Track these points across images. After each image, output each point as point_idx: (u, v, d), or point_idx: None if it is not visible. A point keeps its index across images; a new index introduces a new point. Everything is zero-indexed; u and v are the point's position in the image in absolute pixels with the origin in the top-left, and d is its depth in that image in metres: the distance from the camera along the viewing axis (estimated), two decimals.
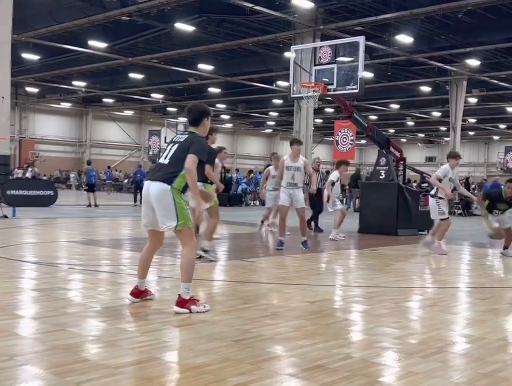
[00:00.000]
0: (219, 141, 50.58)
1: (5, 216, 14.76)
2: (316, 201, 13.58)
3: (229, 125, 59.47)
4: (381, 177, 13.99)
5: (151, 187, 5.10)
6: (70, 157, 49.68)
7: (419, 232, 13.54)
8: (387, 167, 13.89)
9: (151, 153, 39.74)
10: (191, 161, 5.00)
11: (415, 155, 59.89)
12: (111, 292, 6.05)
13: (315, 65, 13.72)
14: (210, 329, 4.61)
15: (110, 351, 3.91)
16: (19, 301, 5.59)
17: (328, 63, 13.46)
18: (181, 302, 5.02)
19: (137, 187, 23.16)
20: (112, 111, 51.56)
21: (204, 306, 5.12)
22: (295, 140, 10.32)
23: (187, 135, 5.28)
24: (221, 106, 46.96)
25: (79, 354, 3.86)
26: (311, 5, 20.93)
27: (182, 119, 46.32)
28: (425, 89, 34.91)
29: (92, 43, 26.42)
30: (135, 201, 22.85)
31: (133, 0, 20.19)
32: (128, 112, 52.87)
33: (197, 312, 5.01)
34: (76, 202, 20.22)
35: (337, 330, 4.72)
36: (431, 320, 5.21)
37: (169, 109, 49.78)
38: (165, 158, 5.21)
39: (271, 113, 49.88)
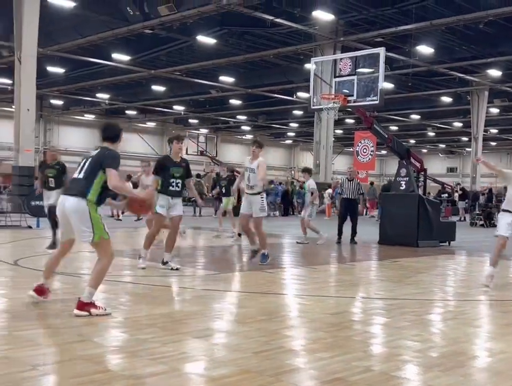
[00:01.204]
0: (240, 151, 50.56)
1: (29, 227, 14.97)
2: (353, 212, 13.63)
3: (249, 136, 59.64)
4: (401, 188, 13.92)
5: (67, 202, 5.34)
6: None
7: (440, 244, 13.42)
8: (407, 178, 13.82)
9: None
10: (112, 177, 5.28)
11: (436, 165, 59.36)
12: (132, 303, 6.11)
13: (335, 77, 13.74)
14: (229, 341, 4.64)
15: (131, 362, 3.95)
16: (41, 311, 5.66)
17: (348, 75, 13.47)
18: (81, 305, 5.23)
19: None
20: (135, 123, 52.07)
21: (105, 309, 5.31)
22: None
23: (99, 150, 5.61)
24: (242, 117, 47.18)
25: (101, 364, 3.91)
26: (331, 17, 21.00)
27: (204, 131, 46.66)
28: (446, 99, 34.72)
29: (115, 56, 26.80)
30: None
31: (156, 14, 20.45)
32: (150, 124, 53.33)
33: (97, 315, 5.19)
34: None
35: (357, 343, 4.71)
36: (452, 334, 5.18)
37: (191, 120, 50.13)
38: (79, 173, 5.46)
39: (291, 124, 49.96)
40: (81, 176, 5.42)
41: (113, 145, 5.68)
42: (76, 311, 5.21)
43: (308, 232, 13.23)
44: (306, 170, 13.52)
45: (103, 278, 5.47)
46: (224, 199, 15.24)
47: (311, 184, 13.10)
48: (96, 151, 5.62)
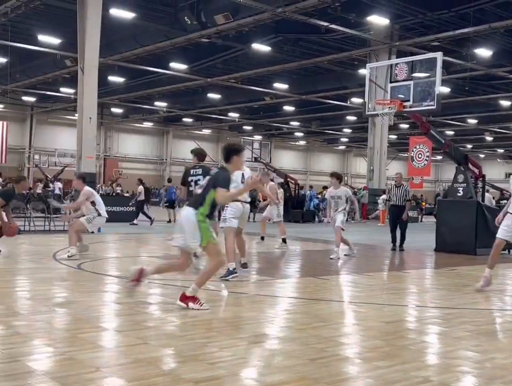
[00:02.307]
0: (293, 157, 50.53)
1: (92, 232, 15.41)
2: (399, 218, 13.40)
3: (302, 142, 59.61)
4: (459, 194, 13.64)
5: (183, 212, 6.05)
6: (151, 174, 51.27)
7: (502, 252, 13.04)
8: (465, 184, 13.53)
9: None
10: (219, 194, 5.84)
11: (493, 171, 57.64)
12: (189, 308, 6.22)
13: (391, 82, 13.61)
14: (286, 347, 4.68)
15: (191, 366, 4.04)
16: (103, 314, 5.87)
17: (404, 80, 13.32)
18: (183, 297, 5.84)
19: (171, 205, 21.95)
20: (191, 130, 52.92)
21: (201, 305, 5.81)
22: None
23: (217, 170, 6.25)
24: (295, 124, 47.24)
25: (161, 367, 4.02)
26: (386, 21, 20.82)
27: (258, 137, 46.92)
28: (505, 103, 33.81)
29: (172, 64, 27.39)
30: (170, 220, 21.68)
31: (213, 23, 20.79)
32: (206, 131, 54.10)
33: (192, 308, 5.74)
34: (156, 218, 20.82)
35: (415, 352, 4.65)
36: None
37: (245, 127, 50.55)
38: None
39: (344, 130, 49.64)
40: (199, 191, 6.11)
41: (228, 165, 6.19)
42: (178, 302, 5.87)
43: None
44: (336, 175, 11.93)
45: (209, 279, 6.08)
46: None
47: (346, 190, 12.00)
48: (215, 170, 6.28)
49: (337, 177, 11.73)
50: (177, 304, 5.83)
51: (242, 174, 8.23)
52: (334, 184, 11.69)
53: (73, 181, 11.20)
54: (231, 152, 6.15)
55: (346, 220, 12.25)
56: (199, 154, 9.11)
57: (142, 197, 21.09)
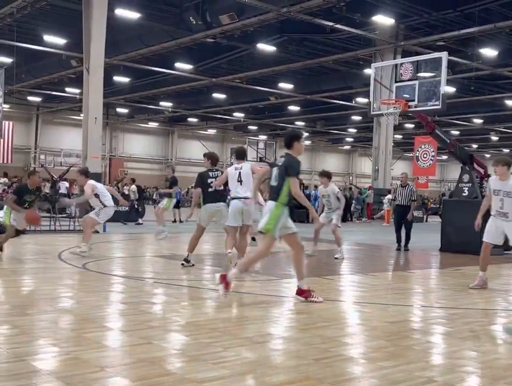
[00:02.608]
0: (298, 158, 50.82)
1: (96, 231, 15.46)
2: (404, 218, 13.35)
3: (308, 142, 59.56)
4: (464, 194, 13.60)
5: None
6: (157, 174, 51.31)
7: (505, 252, 13.02)
8: (470, 184, 13.49)
9: None
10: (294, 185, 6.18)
11: None
12: (194, 307, 6.25)
13: (396, 82, 13.59)
14: (289, 347, 4.68)
15: (194, 366, 4.05)
16: (108, 313, 5.89)
17: (409, 79, 13.30)
18: (300, 292, 6.43)
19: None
20: (196, 130, 52.96)
21: (318, 298, 6.37)
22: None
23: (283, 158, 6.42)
24: (300, 123, 47.20)
25: (165, 367, 4.03)
26: (391, 21, 20.77)
27: (263, 137, 46.91)
28: (511, 103, 33.70)
29: (178, 64, 27.41)
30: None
31: (218, 23, 20.80)
32: (211, 131, 54.13)
33: (311, 301, 6.32)
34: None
35: (419, 352, 4.65)
36: None
37: (250, 127, 50.54)
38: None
39: (350, 130, 49.60)
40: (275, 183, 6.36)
41: (291, 151, 6.43)
42: (296, 296, 6.44)
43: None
44: (325, 174, 11.73)
45: (303, 267, 6.53)
46: None
47: (333, 188, 11.68)
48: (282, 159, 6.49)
49: (327, 175, 11.70)
50: (296, 298, 6.42)
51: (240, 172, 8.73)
52: (324, 183, 11.70)
53: (77, 178, 11.22)
54: (292, 138, 6.41)
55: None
56: (213, 157, 9.42)
57: (136, 196, 20.95)
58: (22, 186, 10.65)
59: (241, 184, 8.72)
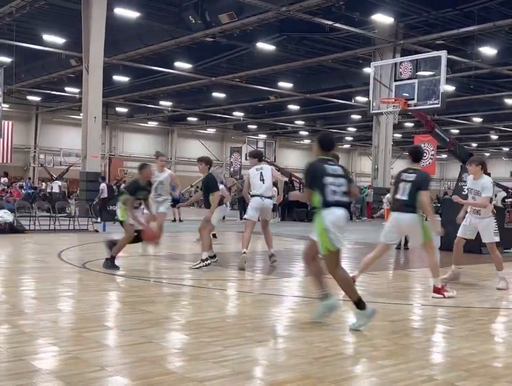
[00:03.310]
0: (297, 156, 50.32)
1: (96, 231, 15.47)
2: None
3: (307, 141, 59.56)
4: (464, 193, 13.58)
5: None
6: None
7: (505, 251, 13.01)
8: None
9: (232, 169, 40.34)
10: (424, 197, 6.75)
11: (499, 169, 57.52)
12: (194, 306, 6.25)
13: (395, 80, 13.61)
14: (289, 345, 4.68)
15: (195, 365, 4.05)
16: (108, 312, 5.89)
17: (408, 78, 13.30)
18: (436, 290, 6.88)
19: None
20: (196, 129, 52.94)
21: (453, 292, 6.91)
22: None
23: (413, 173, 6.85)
24: (299, 122, 47.18)
25: (165, 366, 4.03)
26: (390, 20, 20.76)
27: (262, 136, 46.90)
28: (510, 101, 33.64)
29: (177, 64, 27.40)
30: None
31: (217, 22, 20.79)
32: (211, 130, 54.09)
33: (449, 297, 6.80)
34: None
35: (419, 351, 4.65)
36: None
37: (250, 126, 50.52)
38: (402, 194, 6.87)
39: (349, 128, 49.60)
40: (405, 197, 6.82)
41: (419, 165, 7.08)
42: (433, 294, 6.87)
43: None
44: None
45: (438, 267, 7.11)
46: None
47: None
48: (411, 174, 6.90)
49: None
50: (433, 296, 6.84)
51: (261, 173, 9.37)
52: None
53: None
54: (422, 154, 7.37)
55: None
56: (210, 161, 9.71)
57: (105, 195, 19.88)
58: (135, 182, 9.13)
59: (263, 182, 9.34)
